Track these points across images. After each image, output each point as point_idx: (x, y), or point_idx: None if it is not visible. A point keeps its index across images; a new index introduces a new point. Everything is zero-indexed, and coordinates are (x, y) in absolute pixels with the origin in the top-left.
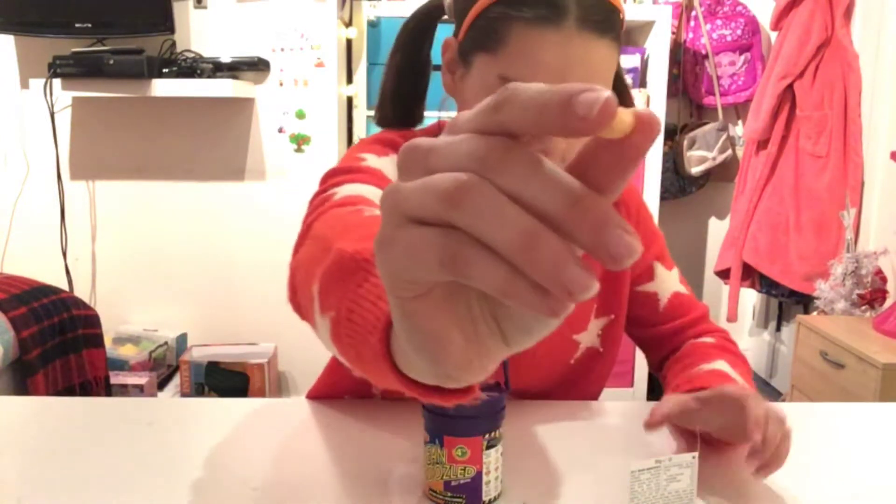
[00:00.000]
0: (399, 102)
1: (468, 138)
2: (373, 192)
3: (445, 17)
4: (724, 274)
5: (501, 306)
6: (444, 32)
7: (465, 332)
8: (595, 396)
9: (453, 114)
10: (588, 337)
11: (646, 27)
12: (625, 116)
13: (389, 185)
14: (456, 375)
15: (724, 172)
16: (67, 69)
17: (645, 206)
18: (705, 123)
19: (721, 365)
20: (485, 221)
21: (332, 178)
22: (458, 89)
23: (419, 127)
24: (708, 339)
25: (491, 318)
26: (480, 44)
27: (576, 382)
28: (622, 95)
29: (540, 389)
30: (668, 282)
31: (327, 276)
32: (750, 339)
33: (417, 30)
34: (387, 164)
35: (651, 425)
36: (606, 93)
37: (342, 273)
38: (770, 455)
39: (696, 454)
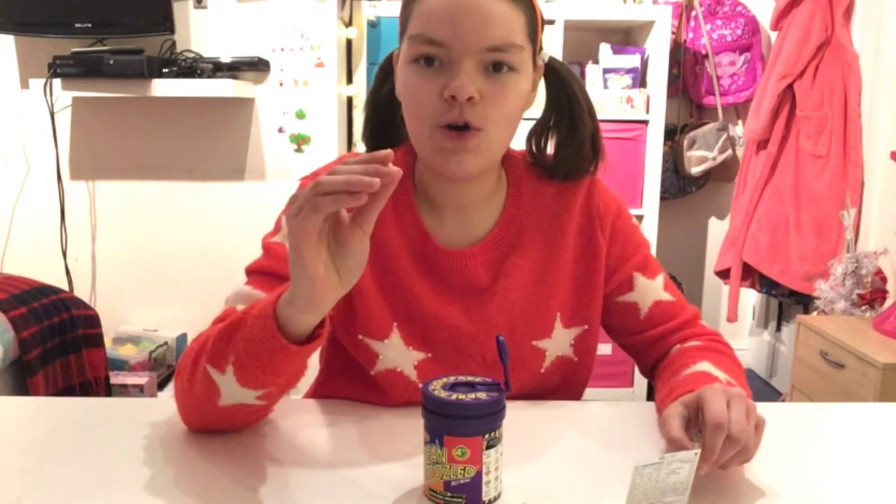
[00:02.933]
0: (374, 126)
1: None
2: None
3: None
4: (724, 274)
5: (338, 253)
6: None
7: (323, 268)
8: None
9: None
10: (557, 346)
11: (646, 27)
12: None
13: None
14: (319, 303)
15: (724, 172)
16: (67, 69)
17: (624, 220)
18: (705, 123)
19: (704, 366)
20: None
21: (251, 273)
22: (398, 86)
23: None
24: (694, 343)
25: (332, 262)
26: (401, 31)
27: (552, 391)
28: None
29: (516, 399)
30: (648, 291)
31: (212, 352)
32: (750, 339)
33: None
34: None
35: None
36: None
37: (219, 341)
38: (734, 453)
39: (699, 451)
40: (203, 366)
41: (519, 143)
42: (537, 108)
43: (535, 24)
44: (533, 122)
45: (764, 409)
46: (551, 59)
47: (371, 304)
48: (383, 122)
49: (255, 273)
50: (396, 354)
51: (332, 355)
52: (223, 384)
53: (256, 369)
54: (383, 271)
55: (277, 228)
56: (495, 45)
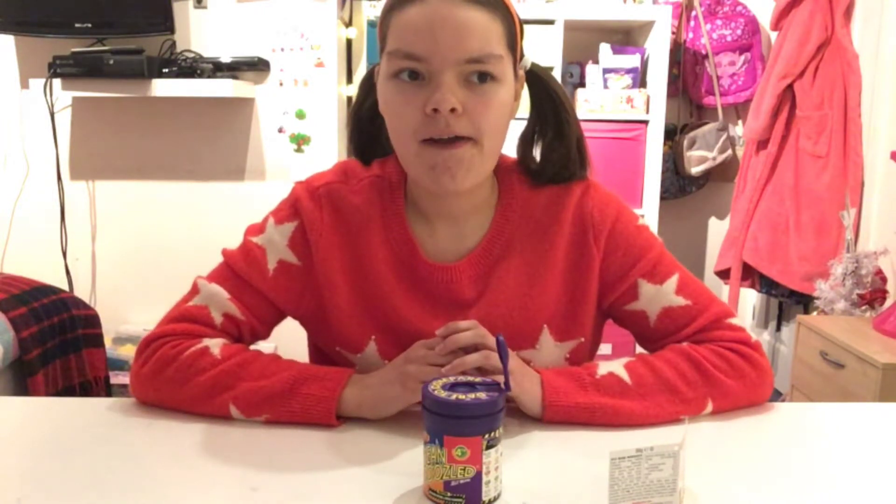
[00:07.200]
0: (358, 141)
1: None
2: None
3: None
4: (724, 274)
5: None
6: None
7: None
8: None
9: None
10: (545, 358)
11: (646, 27)
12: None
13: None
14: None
15: (724, 172)
16: (67, 69)
17: (625, 224)
18: (705, 123)
19: (612, 364)
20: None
21: (227, 267)
22: (380, 103)
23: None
24: (685, 345)
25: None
26: (380, 47)
27: None
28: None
29: None
30: (656, 298)
31: (246, 403)
32: None
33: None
34: (275, 234)
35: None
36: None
37: (258, 398)
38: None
39: (681, 444)
40: (226, 403)
41: (509, 153)
42: (523, 112)
43: (513, 34)
44: (521, 129)
45: (764, 409)
46: (533, 66)
47: (346, 319)
48: (367, 135)
49: (230, 272)
50: (371, 367)
51: (319, 361)
52: (240, 417)
53: (287, 420)
54: (365, 283)
55: (263, 227)
56: (474, 57)
